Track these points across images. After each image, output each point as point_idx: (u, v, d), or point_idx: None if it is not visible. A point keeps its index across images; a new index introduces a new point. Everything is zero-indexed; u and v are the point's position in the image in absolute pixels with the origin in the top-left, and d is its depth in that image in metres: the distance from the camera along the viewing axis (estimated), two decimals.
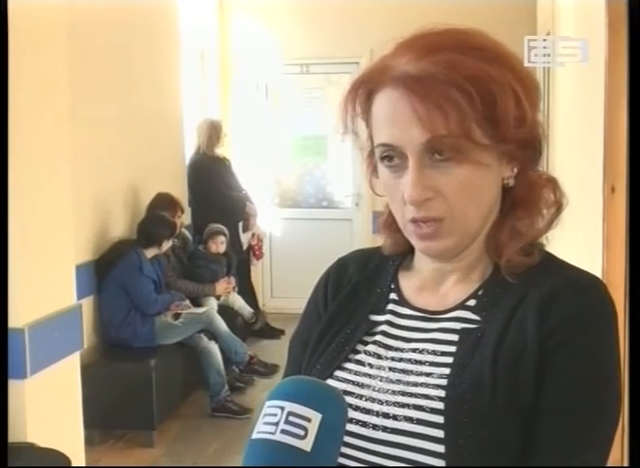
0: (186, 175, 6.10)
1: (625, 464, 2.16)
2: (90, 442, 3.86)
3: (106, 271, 4.65)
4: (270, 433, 0.84)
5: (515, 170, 1.01)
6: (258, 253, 6.62)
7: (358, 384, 1.02)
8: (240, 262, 6.01)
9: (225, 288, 5.51)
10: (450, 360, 0.98)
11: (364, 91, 1.00)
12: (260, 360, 5.49)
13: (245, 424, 4.54)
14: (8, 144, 2.66)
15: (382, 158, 1.00)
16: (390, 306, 1.08)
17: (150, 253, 4.79)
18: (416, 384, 0.98)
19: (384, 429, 0.96)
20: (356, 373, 1.03)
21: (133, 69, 5.15)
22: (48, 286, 3.05)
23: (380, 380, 1.01)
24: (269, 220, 7.00)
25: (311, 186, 7.16)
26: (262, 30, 6.87)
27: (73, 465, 2.90)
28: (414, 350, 1.02)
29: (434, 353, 1.00)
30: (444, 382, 0.96)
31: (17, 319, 2.83)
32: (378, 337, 1.06)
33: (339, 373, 1.04)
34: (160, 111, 5.55)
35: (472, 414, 0.92)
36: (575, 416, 0.92)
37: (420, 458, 0.93)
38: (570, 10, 3.89)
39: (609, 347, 0.95)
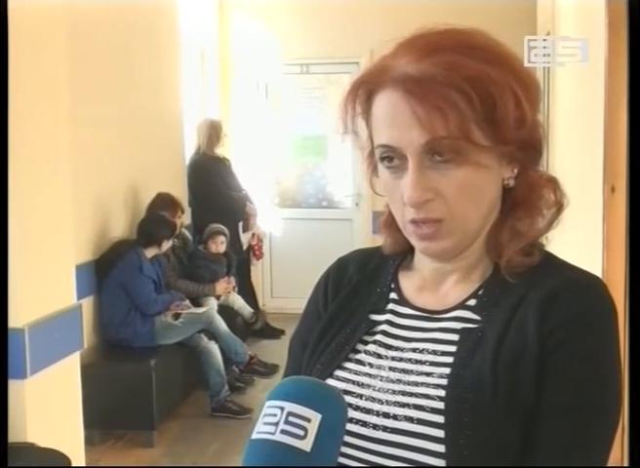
0: (186, 175, 6.10)
1: (625, 464, 2.16)
2: (90, 442, 3.86)
3: (106, 271, 4.65)
4: (270, 433, 0.84)
5: (515, 170, 1.01)
6: (258, 253, 6.62)
7: (358, 384, 1.02)
8: (240, 262, 6.01)
9: (225, 288, 5.51)
10: (450, 360, 0.98)
11: (364, 91, 1.00)
12: (260, 360, 5.49)
13: (245, 424, 4.54)
14: (8, 144, 2.66)
15: (382, 159, 1.00)
16: (390, 306, 1.08)
17: (150, 253, 4.79)
18: (416, 384, 0.98)
19: (385, 429, 0.96)
20: (356, 373, 1.03)
21: (133, 69, 5.15)
22: (48, 286, 3.05)
23: (381, 380, 1.01)
24: (269, 220, 7.00)
25: (311, 186, 7.16)
26: (262, 30, 6.87)
27: (73, 465, 2.90)
28: (414, 350, 1.02)
29: (434, 353, 1.00)
30: (444, 382, 0.96)
31: (17, 319, 2.83)
32: (378, 337, 1.06)
33: (339, 373, 1.04)
34: (160, 111, 5.55)
35: (473, 414, 0.92)
36: (575, 416, 0.92)
37: (421, 458, 0.93)
38: (570, 10, 3.89)
39: (609, 347, 0.95)
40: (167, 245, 4.95)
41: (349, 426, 0.93)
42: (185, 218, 5.69)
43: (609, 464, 0.95)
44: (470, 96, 0.93)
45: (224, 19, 6.94)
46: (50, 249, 3.06)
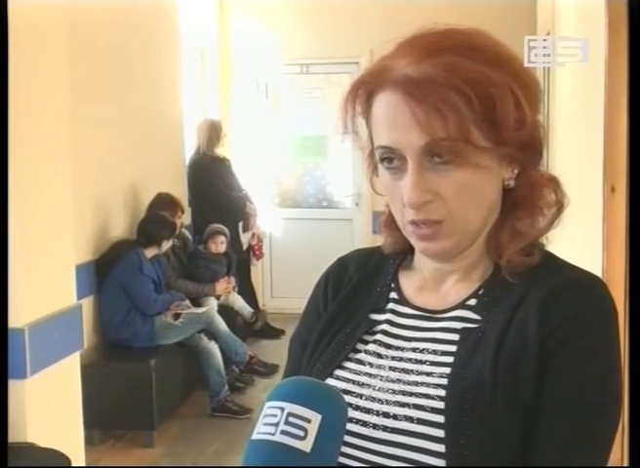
0: (186, 175, 6.10)
1: (625, 464, 2.16)
2: (90, 442, 3.86)
3: (106, 271, 4.65)
4: (270, 434, 0.84)
5: (515, 171, 1.01)
6: (258, 253, 6.62)
7: (358, 383, 1.02)
8: (240, 262, 6.01)
9: (225, 288, 5.51)
10: (450, 359, 0.98)
11: (364, 91, 1.00)
12: (260, 360, 5.49)
13: (245, 424, 4.54)
14: (8, 144, 2.66)
15: (382, 160, 1.00)
16: (391, 305, 1.08)
17: (150, 253, 4.79)
18: (416, 383, 0.98)
19: (385, 428, 0.96)
20: (356, 373, 1.03)
21: (133, 69, 5.15)
22: (48, 286, 3.05)
23: (381, 379, 1.01)
24: (269, 220, 7.00)
25: (311, 186, 7.16)
26: (262, 30, 6.87)
27: (73, 465, 2.90)
28: (414, 349, 1.02)
29: (435, 352, 1.00)
30: (444, 382, 0.96)
31: (17, 319, 2.83)
32: (378, 336, 1.06)
33: (339, 373, 1.04)
34: (160, 111, 5.55)
35: (473, 414, 0.92)
36: (575, 416, 0.92)
37: (421, 458, 0.93)
38: (570, 10, 3.89)
39: (609, 347, 0.95)
40: (167, 245, 4.95)
41: (349, 426, 0.93)
42: (185, 218, 5.69)
43: (609, 464, 0.95)
44: (470, 97, 0.93)
45: (224, 19, 6.94)
46: (50, 249, 3.06)
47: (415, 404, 0.96)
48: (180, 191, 5.77)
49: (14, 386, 2.77)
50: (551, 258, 1.03)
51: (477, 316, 1.00)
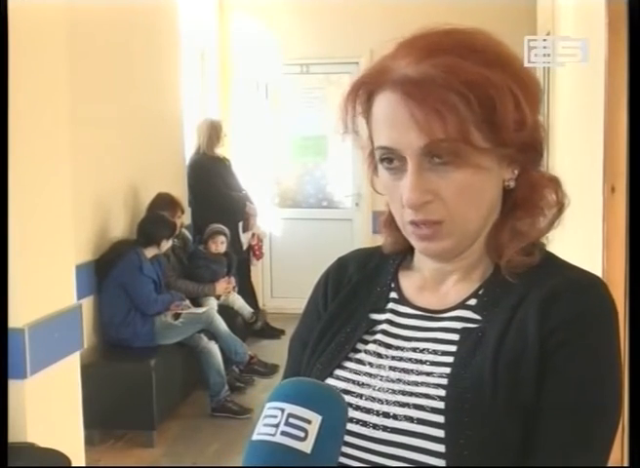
0: (186, 175, 6.10)
1: (625, 464, 2.16)
2: (90, 442, 3.86)
3: (106, 271, 4.65)
4: (270, 435, 0.84)
5: (516, 172, 1.01)
6: (258, 253, 6.62)
7: (358, 383, 1.02)
8: (240, 262, 6.01)
9: (225, 288, 5.51)
10: (450, 359, 0.98)
11: (364, 91, 1.00)
12: (260, 360, 5.49)
13: (245, 424, 4.54)
14: (8, 144, 2.66)
15: (382, 160, 1.00)
16: (391, 305, 1.08)
17: (150, 252, 4.79)
18: (416, 383, 0.98)
19: (385, 428, 0.97)
20: (356, 372, 1.03)
21: (133, 69, 5.15)
22: (48, 286, 3.05)
23: (381, 379, 1.01)
24: (269, 220, 7.00)
25: (311, 186, 7.16)
26: (262, 30, 6.87)
27: (73, 465, 2.90)
28: (414, 349, 1.02)
29: (435, 352, 1.00)
30: (444, 382, 0.96)
31: (17, 319, 2.83)
32: (378, 336, 1.06)
33: (339, 372, 1.04)
34: (160, 111, 5.55)
35: (473, 414, 0.92)
36: (575, 416, 0.92)
37: (421, 458, 0.93)
38: (570, 10, 3.89)
39: (609, 347, 0.95)
40: (167, 245, 4.95)
41: (349, 426, 0.93)
42: (185, 218, 5.69)
43: (609, 464, 0.95)
44: (469, 98, 0.93)
45: (224, 19, 6.94)
46: (50, 249, 3.06)
47: (415, 404, 0.96)
48: (180, 191, 5.77)
49: (14, 386, 2.77)
50: (551, 258, 1.03)
51: (477, 316, 1.00)
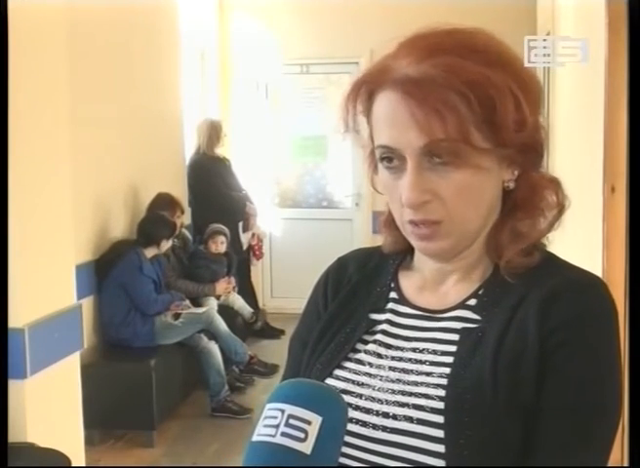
0: (186, 175, 6.10)
1: (625, 464, 2.16)
2: (90, 442, 3.86)
3: (106, 271, 4.65)
4: (270, 436, 0.84)
5: (516, 173, 1.01)
6: (258, 253, 6.62)
7: (358, 383, 1.02)
8: (240, 262, 6.01)
9: (225, 288, 5.51)
10: (450, 359, 0.98)
11: (365, 90, 1.00)
12: (260, 360, 5.49)
13: (245, 424, 4.54)
14: (8, 144, 2.66)
15: (382, 159, 1.00)
16: (390, 305, 1.08)
17: (150, 252, 4.79)
18: (416, 383, 0.98)
19: (384, 429, 0.96)
20: (356, 373, 1.03)
21: (133, 69, 5.15)
22: (48, 286, 3.05)
23: (380, 379, 1.01)
24: (269, 220, 7.00)
25: (311, 186, 7.16)
26: (262, 30, 6.87)
27: (73, 465, 2.90)
28: (414, 349, 1.02)
29: (434, 352, 1.00)
30: (444, 382, 0.96)
31: (17, 319, 2.83)
32: (378, 336, 1.06)
33: (338, 372, 1.04)
34: (160, 111, 5.55)
35: (473, 414, 0.92)
36: (575, 416, 0.92)
37: (420, 458, 0.93)
38: (570, 10, 3.89)
39: (609, 347, 0.95)
40: (167, 245, 4.95)
41: (349, 426, 0.93)
42: (185, 218, 5.69)
43: (609, 464, 0.95)
44: (469, 98, 0.93)
45: (224, 19, 6.94)
46: (50, 249, 3.06)
47: (414, 404, 0.96)
48: (180, 191, 5.77)
49: (14, 386, 2.77)
50: (551, 258, 1.03)
51: (477, 316, 1.00)
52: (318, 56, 6.83)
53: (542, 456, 0.92)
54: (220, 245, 5.62)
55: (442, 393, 0.95)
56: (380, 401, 0.99)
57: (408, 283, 1.09)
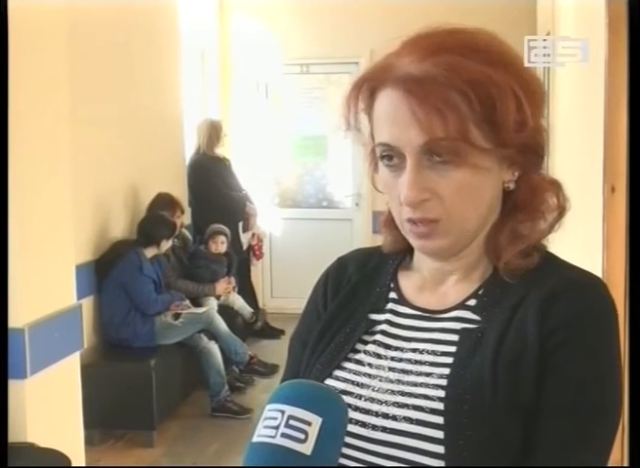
0: (186, 175, 6.10)
1: (625, 464, 2.16)
2: (90, 442, 3.86)
3: (106, 271, 4.65)
4: (271, 436, 0.84)
5: (516, 174, 1.01)
6: (258, 253, 6.62)
7: (357, 384, 1.02)
8: (240, 262, 6.01)
9: (225, 288, 5.51)
10: (450, 360, 0.98)
11: (367, 88, 1.00)
12: (260, 360, 5.48)
13: (245, 424, 4.54)
14: (8, 144, 2.66)
15: (382, 157, 1.00)
16: (390, 305, 1.08)
17: (150, 252, 4.79)
18: (415, 384, 0.98)
19: (384, 429, 0.96)
20: (356, 373, 1.03)
21: (133, 69, 5.15)
22: (48, 286, 3.05)
23: (380, 380, 1.01)
24: (269, 220, 7.00)
25: (311, 186, 7.16)
26: (262, 30, 6.87)
27: (73, 465, 2.90)
28: (414, 350, 1.02)
29: (434, 353, 1.00)
30: (444, 382, 0.96)
31: (17, 319, 2.83)
32: (377, 337, 1.06)
33: (338, 373, 1.04)
34: (160, 111, 5.55)
35: (472, 415, 0.92)
36: (575, 416, 0.92)
37: (420, 459, 0.93)
38: (570, 10, 3.89)
39: (609, 347, 0.95)
40: (166, 245, 4.95)
41: (348, 426, 0.93)
42: (185, 218, 5.69)
43: (609, 464, 0.95)
44: (470, 97, 0.93)
45: (224, 19, 6.94)
46: (50, 249, 3.06)
47: (414, 404, 0.96)
48: (180, 191, 5.77)
49: (14, 386, 2.77)
50: (551, 259, 1.03)
51: (477, 316, 1.00)
52: (318, 56, 6.82)
53: (542, 456, 0.92)
54: (220, 245, 5.62)
55: (442, 394, 0.95)
56: (379, 401, 0.99)
57: (407, 283, 1.09)
